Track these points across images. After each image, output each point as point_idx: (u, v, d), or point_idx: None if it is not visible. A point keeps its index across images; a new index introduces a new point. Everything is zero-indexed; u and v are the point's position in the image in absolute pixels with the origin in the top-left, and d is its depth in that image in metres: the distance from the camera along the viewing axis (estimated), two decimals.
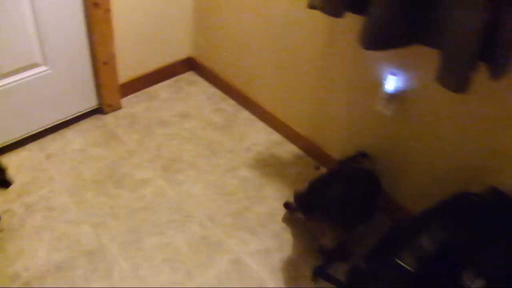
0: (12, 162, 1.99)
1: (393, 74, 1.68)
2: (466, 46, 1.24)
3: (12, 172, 1.92)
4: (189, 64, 2.61)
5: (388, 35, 1.39)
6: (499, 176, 1.56)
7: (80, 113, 2.21)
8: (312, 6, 1.57)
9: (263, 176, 2.06)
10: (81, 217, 1.82)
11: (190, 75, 2.61)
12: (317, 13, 1.66)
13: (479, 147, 1.58)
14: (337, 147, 2.03)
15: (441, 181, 1.72)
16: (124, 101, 2.36)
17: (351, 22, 1.72)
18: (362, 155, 1.89)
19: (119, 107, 2.32)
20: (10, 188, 1.87)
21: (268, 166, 2.12)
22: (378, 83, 1.76)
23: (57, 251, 1.70)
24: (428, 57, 1.50)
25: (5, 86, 1.89)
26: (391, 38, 1.40)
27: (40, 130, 2.10)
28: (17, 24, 1.80)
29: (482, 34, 1.21)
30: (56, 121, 2.14)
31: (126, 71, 2.31)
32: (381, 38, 1.40)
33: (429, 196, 1.69)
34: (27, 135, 2.05)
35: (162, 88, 2.49)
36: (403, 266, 1.38)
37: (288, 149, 2.22)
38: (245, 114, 2.39)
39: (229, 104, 2.44)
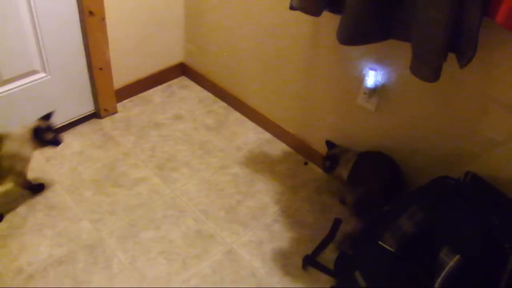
0: None
1: (373, 69, 1.76)
2: (435, 38, 1.33)
3: None
4: (181, 69, 2.68)
5: (363, 31, 1.48)
6: (476, 161, 1.62)
7: (78, 118, 2.29)
8: (292, 7, 1.66)
9: (254, 173, 2.14)
10: (81, 214, 1.89)
11: (182, 80, 2.68)
12: (300, 16, 1.72)
13: (457, 135, 1.65)
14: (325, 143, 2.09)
15: (423, 169, 1.78)
16: (120, 105, 2.43)
17: (332, 23, 1.75)
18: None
19: (115, 111, 2.39)
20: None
21: (258, 163, 2.20)
22: (360, 79, 1.83)
23: (58, 246, 1.77)
24: (404, 51, 1.54)
25: (6, 93, 1.97)
26: (365, 34, 1.49)
27: None
28: (16, 33, 1.88)
29: (450, 27, 1.31)
30: (55, 126, 2.20)
31: (121, 77, 2.39)
32: (356, 34, 1.49)
33: (411, 183, 1.77)
34: None
35: (155, 93, 2.57)
36: (385, 247, 1.46)
37: (277, 147, 2.30)
38: (236, 115, 2.47)
39: (220, 106, 2.52)
